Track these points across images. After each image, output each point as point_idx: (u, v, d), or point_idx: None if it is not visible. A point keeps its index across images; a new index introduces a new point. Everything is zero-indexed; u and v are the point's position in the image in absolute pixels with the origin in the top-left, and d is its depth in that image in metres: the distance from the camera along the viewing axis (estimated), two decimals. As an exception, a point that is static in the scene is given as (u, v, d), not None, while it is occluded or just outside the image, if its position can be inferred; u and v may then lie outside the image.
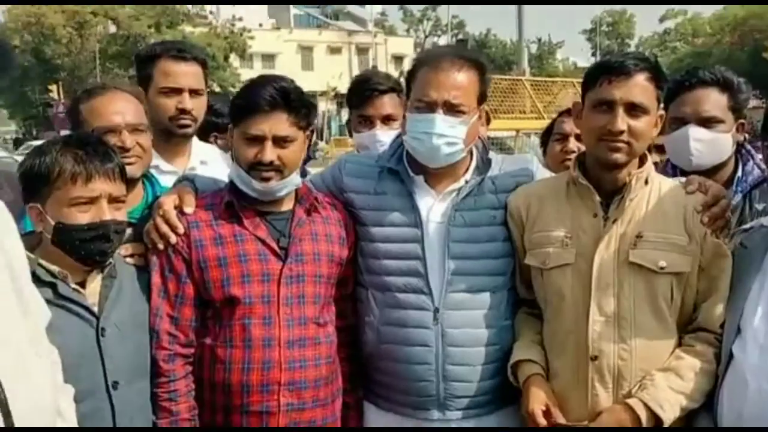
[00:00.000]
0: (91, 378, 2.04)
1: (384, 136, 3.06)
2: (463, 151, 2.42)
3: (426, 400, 2.40)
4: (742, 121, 2.80)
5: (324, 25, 58.89)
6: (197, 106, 2.88)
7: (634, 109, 2.20)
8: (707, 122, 2.73)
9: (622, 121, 2.19)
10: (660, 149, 3.12)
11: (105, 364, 2.08)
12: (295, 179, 2.36)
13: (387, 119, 3.17)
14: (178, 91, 2.84)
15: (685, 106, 2.76)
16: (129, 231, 2.28)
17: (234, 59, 41.73)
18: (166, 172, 2.79)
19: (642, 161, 2.32)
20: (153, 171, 2.61)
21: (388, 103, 3.18)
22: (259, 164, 2.27)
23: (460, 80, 2.37)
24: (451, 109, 2.36)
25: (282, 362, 2.27)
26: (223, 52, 39.42)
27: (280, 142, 2.27)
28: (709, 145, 2.73)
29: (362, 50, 55.64)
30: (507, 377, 2.39)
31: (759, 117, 2.79)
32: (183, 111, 2.83)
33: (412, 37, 63.83)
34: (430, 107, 2.36)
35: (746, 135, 2.87)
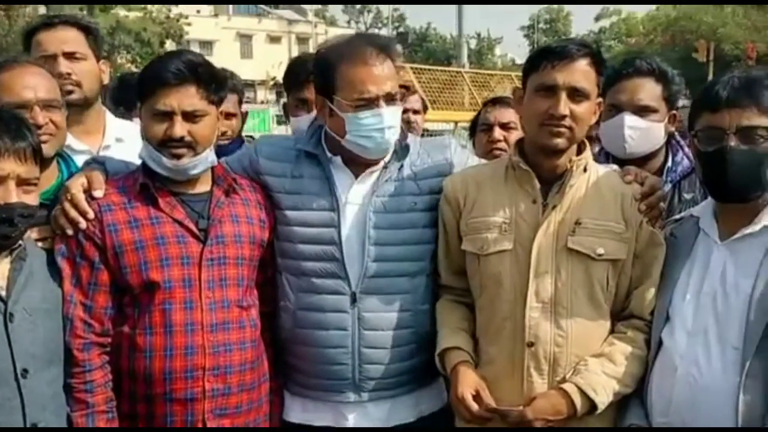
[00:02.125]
0: (-3, 365, 1.92)
1: None
2: None
3: (341, 383, 2.40)
4: (674, 112, 2.83)
5: (263, 13, 58.16)
6: (79, 70, 2.74)
7: (576, 94, 2.19)
8: (642, 111, 2.75)
9: (565, 106, 2.17)
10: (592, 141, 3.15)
11: (13, 351, 1.95)
12: (209, 157, 2.28)
13: None
14: (52, 58, 2.69)
15: (621, 94, 2.77)
16: (42, 213, 2.15)
17: (170, 46, 40.81)
18: (79, 152, 2.65)
19: (580, 148, 2.31)
20: (66, 151, 2.48)
21: None
22: (170, 141, 2.19)
23: (388, 69, 2.35)
24: (391, 99, 2.35)
25: (206, 347, 2.21)
26: (159, 38, 38.47)
27: (190, 117, 2.20)
28: (643, 133, 2.75)
29: (302, 40, 55.15)
30: (422, 360, 2.42)
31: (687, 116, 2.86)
32: (59, 75, 2.65)
33: (352, 28, 63.65)
34: (372, 103, 2.32)
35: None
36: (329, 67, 2.37)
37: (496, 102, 3.40)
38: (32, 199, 2.02)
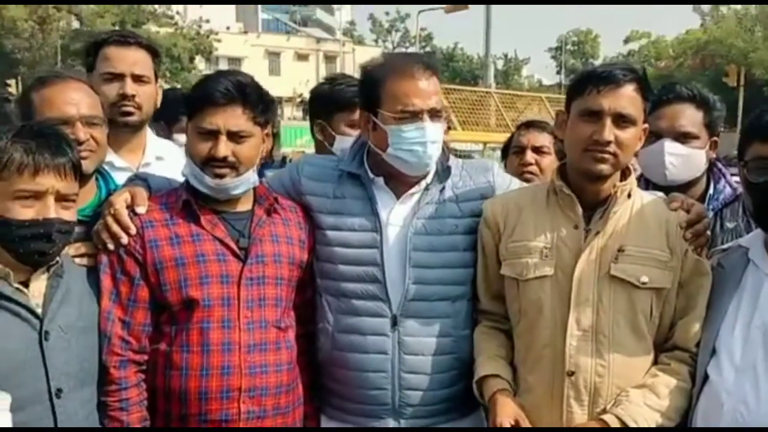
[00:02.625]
0: (31, 385, 1.89)
1: None
2: None
3: (380, 408, 2.36)
4: (715, 138, 2.78)
5: (292, 31, 58.73)
6: (142, 93, 2.74)
7: (621, 120, 2.15)
8: (683, 137, 2.70)
9: (609, 132, 2.13)
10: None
11: (48, 370, 1.92)
12: (251, 177, 2.28)
13: None
14: (119, 77, 2.71)
15: (661, 120, 2.72)
16: (80, 230, 2.14)
17: (200, 61, 41.32)
18: (120, 169, 2.64)
19: (625, 174, 2.26)
20: (105, 167, 2.47)
21: None
22: (213, 159, 2.19)
23: (434, 85, 2.36)
24: (435, 114, 2.34)
25: (242, 367, 2.18)
26: (189, 54, 38.98)
27: (234, 137, 2.19)
28: (684, 160, 2.70)
29: (330, 58, 55.59)
30: (463, 387, 2.36)
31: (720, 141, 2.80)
32: (124, 96, 2.69)
33: (380, 47, 64.04)
34: (416, 116, 2.31)
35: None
36: (375, 81, 2.37)
37: (531, 125, 3.36)
38: (70, 215, 2.00)
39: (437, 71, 2.39)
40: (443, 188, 2.43)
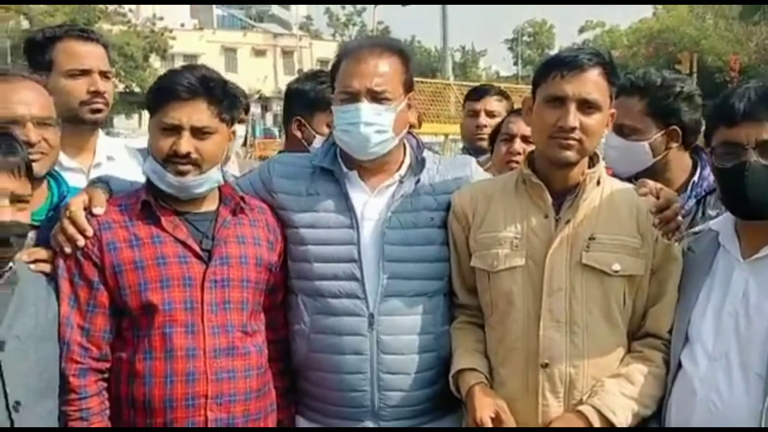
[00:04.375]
0: (-13, 398, 1.80)
1: None
2: (394, 139, 2.33)
3: (360, 411, 2.29)
4: (673, 127, 2.67)
5: (248, 26, 58.14)
6: (108, 89, 2.68)
7: (586, 106, 2.11)
8: (618, 130, 2.64)
9: (574, 118, 2.10)
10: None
11: (5, 383, 1.83)
12: (214, 175, 2.19)
13: None
14: (87, 73, 2.63)
15: None
16: (32, 235, 2.05)
17: (154, 59, 40.70)
18: (69, 169, 2.54)
19: (593, 161, 2.24)
20: (55, 168, 2.37)
21: None
22: (175, 156, 2.10)
23: (382, 67, 2.30)
24: (375, 96, 2.28)
25: (208, 373, 2.10)
26: (143, 52, 38.36)
27: (198, 133, 2.12)
28: (622, 153, 2.66)
29: (287, 53, 55.22)
30: (444, 385, 2.30)
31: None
32: (96, 93, 2.62)
33: (337, 41, 63.79)
34: (354, 97, 2.28)
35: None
36: (334, 66, 2.37)
37: (521, 113, 3.30)
38: (25, 217, 1.92)
39: (395, 51, 2.34)
40: (418, 180, 2.37)
